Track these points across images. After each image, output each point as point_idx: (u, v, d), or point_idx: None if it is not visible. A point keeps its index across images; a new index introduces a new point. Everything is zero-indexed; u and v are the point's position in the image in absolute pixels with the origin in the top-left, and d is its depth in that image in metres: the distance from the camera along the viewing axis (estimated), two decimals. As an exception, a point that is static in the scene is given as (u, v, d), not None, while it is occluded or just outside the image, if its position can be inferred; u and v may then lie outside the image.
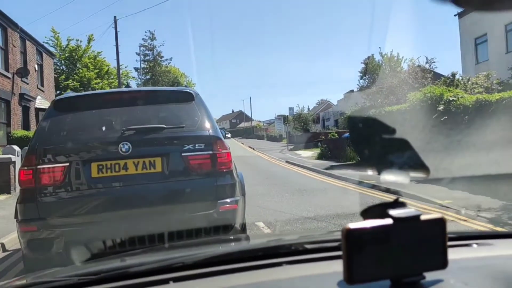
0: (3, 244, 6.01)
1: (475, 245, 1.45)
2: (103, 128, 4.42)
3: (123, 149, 4.14)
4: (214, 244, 2.14)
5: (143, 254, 2.01)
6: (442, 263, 1.02)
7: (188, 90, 4.88)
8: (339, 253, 0.97)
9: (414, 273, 1.02)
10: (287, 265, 1.32)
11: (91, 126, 4.46)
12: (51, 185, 4.09)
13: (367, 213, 1.05)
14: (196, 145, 4.27)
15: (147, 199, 4.22)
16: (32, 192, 4.09)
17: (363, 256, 0.95)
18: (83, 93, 6.10)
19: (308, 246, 1.49)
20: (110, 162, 4.14)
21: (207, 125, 4.45)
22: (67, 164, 4.10)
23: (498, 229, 6.25)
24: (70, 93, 5.18)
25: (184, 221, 4.08)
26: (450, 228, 1.05)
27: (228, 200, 4.23)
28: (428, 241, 1.01)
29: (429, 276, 1.03)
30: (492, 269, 1.23)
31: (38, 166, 4.08)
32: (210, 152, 4.28)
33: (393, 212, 1.00)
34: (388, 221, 0.98)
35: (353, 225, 0.96)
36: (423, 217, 1.01)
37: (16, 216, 4.20)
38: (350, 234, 0.95)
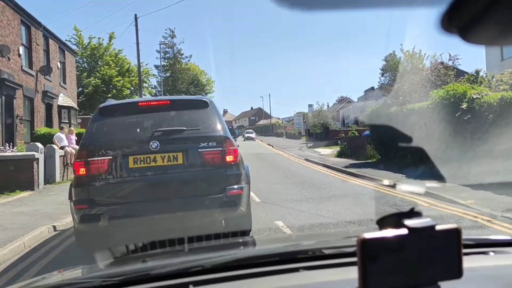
0: (54, 226, 7.61)
1: (492, 253, 1.44)
2: (138, 130, 5.60)
3: (153, 146, 5.19)
4: (233, 247, 2.17)
5: (163, 255, 2.06)
6: (457, 272, 1.02)
7: (204, 99, 5.92)
8: (356, 259, 0.98)
9: (430, 282, 1.02)
10: (304, 271, 1.34)
11: (128, 128, 5.62)
12: (98, 173, 5.15)
13: (382, 222, 1.06)
14: (210, 143, 5.28)
15: (171, 184, 5.26)
16: (83, 179, 5.17)
17: (378, 265, 0.95)
18: (122, 101, 7.34)
19: (326, 252, 1.50)
20: (143, 156, 5.19)
21: (219, 127, 5.46)
22: (111, 157, 5.17)
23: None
24: (111, 101, 6.21)
25: (199, 202, 5.14)
26: (471, 231, 1.05)
27: (235, 186, 5.25)
28: (443, 251, 1.00)
29: (445, 285, 1.03)
30: (508, 279, 1.22)
31: (88, 159, 5.14)
32: (221, 149, 5.29)
33: (409, 222, 1.00)
34: (404, 231, 0.98)
35: (368, 235, 0.96)
36: (438, 227, 1.00)
37: (70, 198, 5.30)
38: (365, 244, 0.95)
